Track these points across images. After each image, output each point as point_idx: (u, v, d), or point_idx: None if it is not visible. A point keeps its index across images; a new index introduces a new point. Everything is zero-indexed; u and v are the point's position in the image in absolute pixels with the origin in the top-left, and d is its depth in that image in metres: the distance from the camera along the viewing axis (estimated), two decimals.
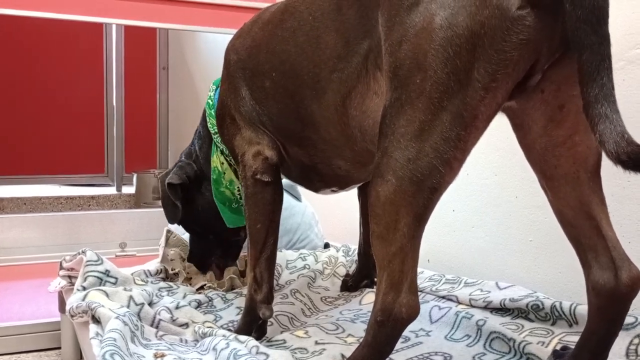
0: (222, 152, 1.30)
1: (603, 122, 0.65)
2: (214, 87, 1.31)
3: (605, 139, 0.64)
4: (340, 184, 1.17)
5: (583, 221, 0.82)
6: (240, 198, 1.31)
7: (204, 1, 2.06)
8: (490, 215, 1.44)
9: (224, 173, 1.31)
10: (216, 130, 1.28)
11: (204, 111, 1.36)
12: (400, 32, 0.76)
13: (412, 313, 0.78)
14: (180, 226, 1.51)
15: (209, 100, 1.32)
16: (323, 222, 1.94)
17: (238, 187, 1.31)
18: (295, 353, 1.01)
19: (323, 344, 1.04)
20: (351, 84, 0.92)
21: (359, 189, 1.39)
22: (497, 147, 1.40)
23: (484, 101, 0.72)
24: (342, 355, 0.97)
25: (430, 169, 0.73)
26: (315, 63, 0.98)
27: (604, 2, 0.67)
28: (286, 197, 1.77)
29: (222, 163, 1.31)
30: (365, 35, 0.88)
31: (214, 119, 1.29)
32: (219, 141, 1.29)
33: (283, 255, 1.64)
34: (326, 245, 1.86)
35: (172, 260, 1.53)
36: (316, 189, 1.22)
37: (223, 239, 1.47)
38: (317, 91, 0.98)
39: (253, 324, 1.14)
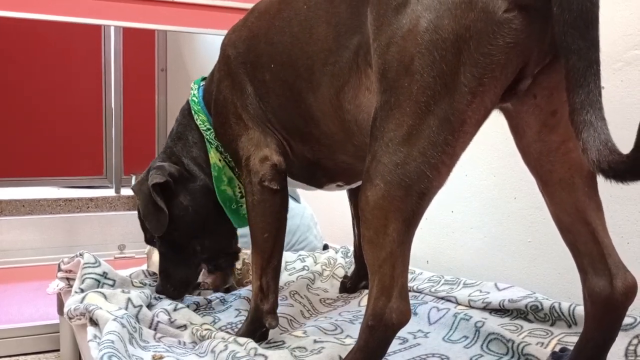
0: (217, 149, 1.24)
1: (587, 130, 0.64)
2: (196, 86, 1.29)
3: (588, 146, 0.63)
4: (346, 179, 1.15)
5: (579, 227, 0.82)
6: (241, 197, 1.27)
7: (202, 3, 2.06)
8: (489, 216, 1.44)
9: (223, 169, 1.25)
10: (207, 127, 1.24)
11: (182, 110, 1.32)
12: (388, 33, 0.75)
13: (403, 318, 0.78)
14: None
15: (194, 98, 1.27)
16: (322, 224, 1.94)
17: (238, 186, 1.26)
18: (294, 352, 1.01)
19: (322, 342, 1.04)
20: (344, 78, 0.90)
21: (349, 192, 1.38)
22: (496, 148, 1.40)
23: (471, 105, 0.71)
24: (340, 357, 0.97)
25: (419, 173, 0.73)
26: (309, 55, 0.96)
27: (593, 6, 0.65)
28: None
29: (220, 160, 1.24)
30: (356, 30, 0.87)
31: (203, 115, 1.25)
32: (212, 137, 1.23)
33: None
34: (325, 247, 1.86)
35: None
36: (320, 185, 1.18)
37: (213, 250, 1.34)
38: (312, 84, 0.97)
39: (256, 332, 1.13)
